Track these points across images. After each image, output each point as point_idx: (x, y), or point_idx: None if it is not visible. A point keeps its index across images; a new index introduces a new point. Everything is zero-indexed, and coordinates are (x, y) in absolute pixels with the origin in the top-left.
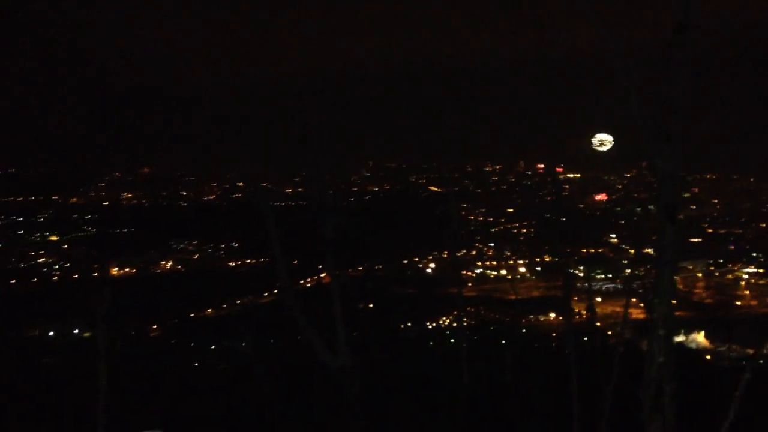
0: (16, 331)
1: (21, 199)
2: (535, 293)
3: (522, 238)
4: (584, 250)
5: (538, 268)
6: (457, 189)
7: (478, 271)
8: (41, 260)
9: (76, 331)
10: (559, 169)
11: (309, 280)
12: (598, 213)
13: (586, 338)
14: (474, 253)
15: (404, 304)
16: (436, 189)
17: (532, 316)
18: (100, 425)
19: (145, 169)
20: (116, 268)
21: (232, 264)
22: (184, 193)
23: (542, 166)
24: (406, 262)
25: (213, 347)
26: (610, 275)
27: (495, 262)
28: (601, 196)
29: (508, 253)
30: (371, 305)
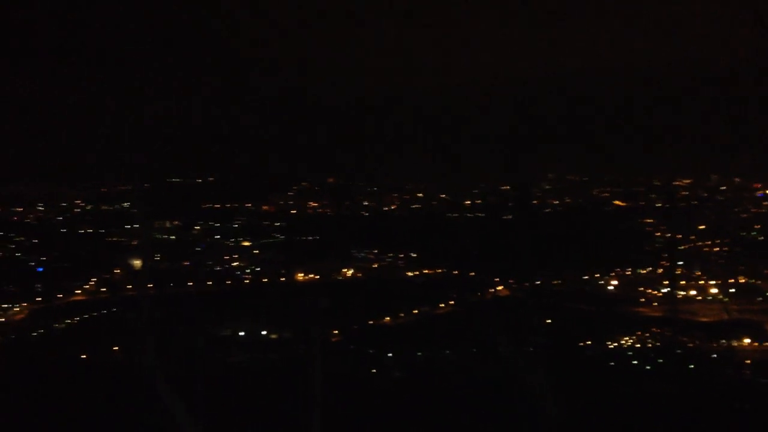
0: (210, 331)
1: (218, 206)
2: (726, 316)
3: (714, 257)
4: None
5: (732, 290)
6: (643, 203)
7: (664, 290)
8: (235, 264)
9: (264, 332)
10: (756, 185)
11: (486, 292)
12: None
13: None
14: (660, 271)
15: (583, 322)
16: (620, 203)
17: (723, 341)
18: (314, 424)
19: (331, 179)
20: (301, 274)
21: (410, 274)
22: (366, 203)
23: (759, 185)
24: (586, 278)
25: (390, 355)
26: None
27: (683, 282)
28: None
29: (698, 273)
30: (548, 321)
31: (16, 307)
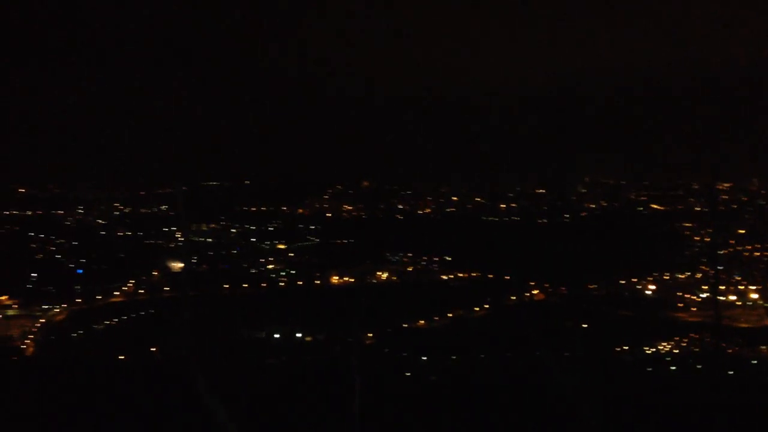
0: (246, 332)
1: (254, 209)
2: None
3: (755, 261)
4: None
5: None
6: (681, 207)
7: (703, 295)
8: (270, 266)
9: (299, 335)
10: None
11: (521, 295)
12: None
13: None
14: (699, 276)
15: (620, 327)
16: (658, 207)
17: (764, 347)
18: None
19: (365, 183)
20: (336, 277)
21: (445, 277)
22: (401, 207)
23: None
24: (623, 282)
25: (424, 358)
26: None
27: (723, 287)
28: None
29: (738, 278)
30: (585, 326)
31: (57, 308)
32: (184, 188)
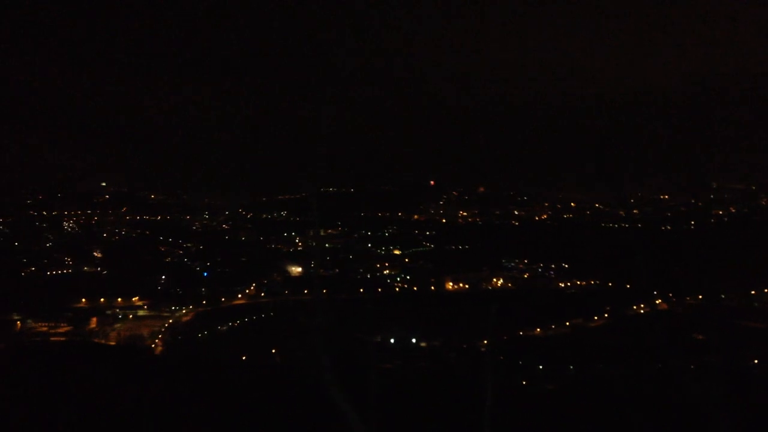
0: (361, 336)
1: (371, 214)
2: None
3: None
4: None
5: None
6: None
7: None
8: (386, 272)
9: (414, 340)
10: None
11: (642, 305)
12: None
13: None
14: None
15: (751, 339)
16: None
17: None
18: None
19: (481, 189)
20: (451, 283)
21: (562, 285)
22: (517, 212)
23: None
24: (753, 292)
25: (541, 367)
26: None
27: None
28: None
29: None
30: (713, 338)
31: (183, 310)
32: (314, 193)
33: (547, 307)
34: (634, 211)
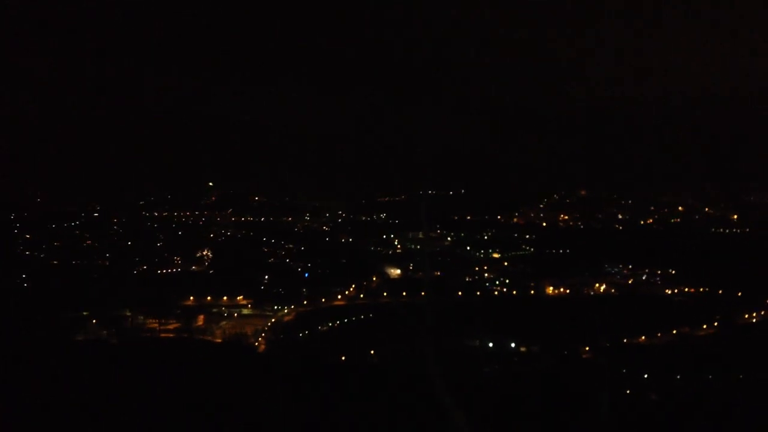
0: (457, 340)
1: (469, 218)
2: None
3: None
4: None
5: None
6: None
7: None
8: (484, 275)
9: (513, 345)
10: None
11: (755, 313)
12: None
13: None
14: None
15: None
16: None
17: None
18: None
19: (583, 191)
20: (551, 288)
21: (668, 291)
22: (620, 216)
23: None
24: None
25: (645, 376)
26: None
27: None
28: None
29: None
30: None
31: (285, 309)
32: (419, 197)
33: (652, 314)
34: (747, 216)
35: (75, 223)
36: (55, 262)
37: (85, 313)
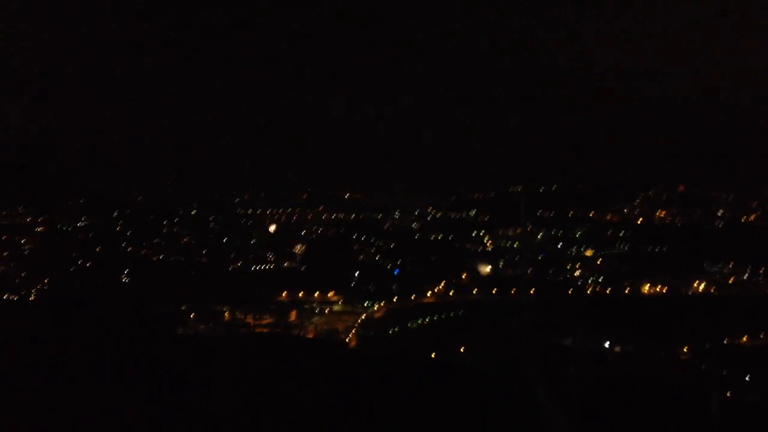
0: (548, 338)
1: (561, 214)
2: None
3: None
4: None
5: None
6: None
7: None
8: (577, 273)
9: (607, 344)
10: None
11: None
12: None
13: None
14: None
15: None
16: None
17: None
18: None
19: (681, 187)
20: (647, 286)
21: None
22: (721, 212)
23: None
24: None
25: (747, 378)
26: None
27: None
28: None
29: None
30: None
31: (375, 306)
32: (522, 191)
33: (755, 313)
34: None
35: (174, 221)
36: (154, 259)
37: (183, 308)
